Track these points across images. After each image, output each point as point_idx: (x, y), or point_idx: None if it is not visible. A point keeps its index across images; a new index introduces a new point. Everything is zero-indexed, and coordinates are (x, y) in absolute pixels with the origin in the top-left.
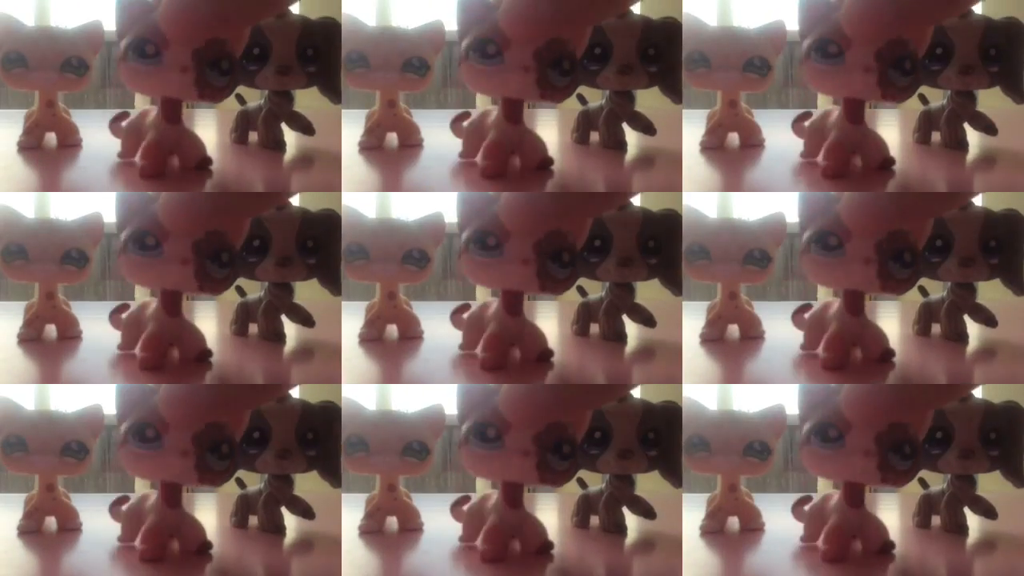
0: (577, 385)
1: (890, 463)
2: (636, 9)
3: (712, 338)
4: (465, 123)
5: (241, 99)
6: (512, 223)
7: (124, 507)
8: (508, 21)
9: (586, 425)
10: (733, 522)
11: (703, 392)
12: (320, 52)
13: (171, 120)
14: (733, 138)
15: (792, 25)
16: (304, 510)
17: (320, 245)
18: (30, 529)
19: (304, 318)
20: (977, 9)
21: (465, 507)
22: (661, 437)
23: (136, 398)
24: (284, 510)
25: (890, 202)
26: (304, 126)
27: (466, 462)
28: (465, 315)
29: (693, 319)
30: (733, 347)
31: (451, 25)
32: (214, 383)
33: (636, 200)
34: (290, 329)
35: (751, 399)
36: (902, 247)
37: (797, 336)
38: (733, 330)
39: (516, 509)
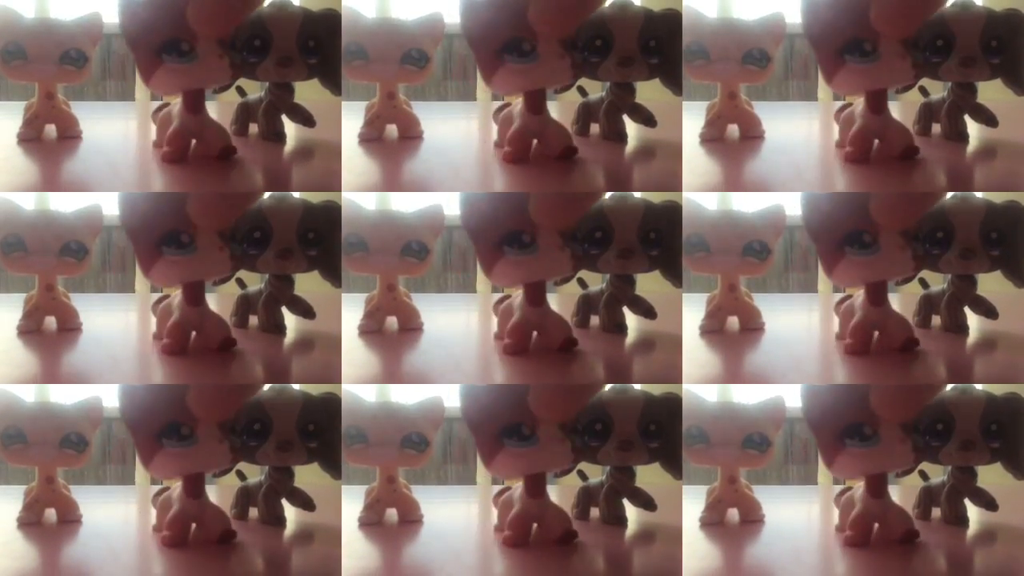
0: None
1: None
2: (637, 0)
3: (712, 330)
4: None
5: (241, 91)
6: (541, 217)
7: (160, 497)
8: (536, 15)
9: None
10: (733, 514)
11: (703, 384)
12: (322, 43)
13: (193, 110)
14: (733, 130)
15: (792, 17)
16: (305, 502)
17: (321, 236)
18: (30, 521)
19: (305, 310)
20: (978, 0)
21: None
22: (662, 429)
23: (163, 398)
24: (284, 502)
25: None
26: (305, 118)
27: (501, 465)
28: (502, 305)
29: (693, 311)
30: (733, 339)
31: (451, 17)
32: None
33: (636, 193)
34: (289, 321)
35: (750, 391)
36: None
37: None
38: (733, 322)
39: (538, 499)
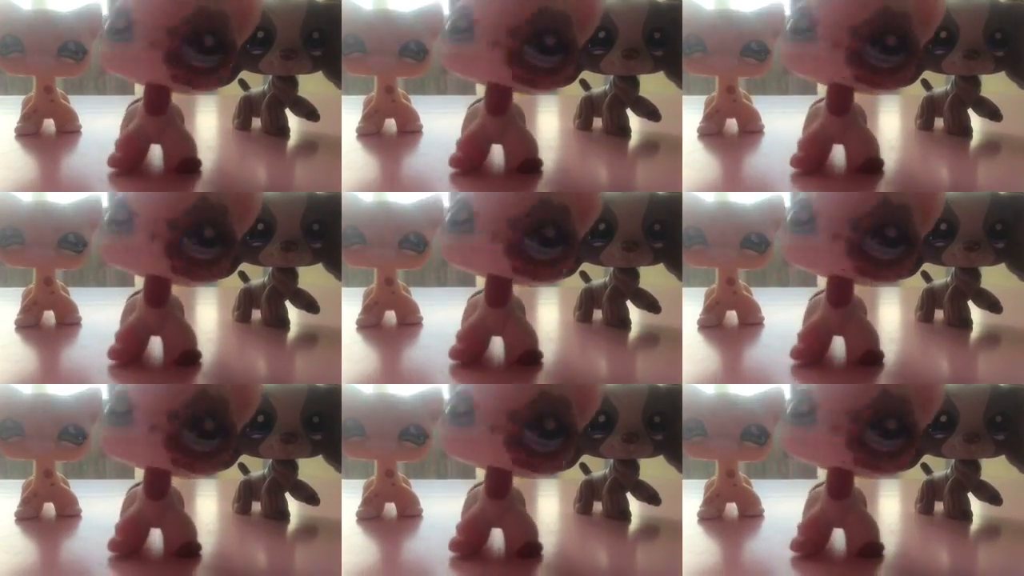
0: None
1: (867, 442)
2: None
3: (710, 324)
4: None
5: (244, 84)
6: (484, 204)
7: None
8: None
9: (594, 406)
10: (731, 508)
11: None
12: (326, 36)
13: (153, 111)
14: (731, 124)
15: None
16: (309, 496)
17: (326, 228)
18: (28, 515)
19: (308, 304)
20: None
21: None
22: (667, 420)
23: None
24: (288, 496)
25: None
26: (308, 112)
27: (442, 444)
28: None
29: (693, 305)
30: (731, 333)
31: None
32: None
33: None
34: (292, 315)
35: (749, 385)
36: (884, 222)
37: (797, 323)
38: (732, 316)
39: (499, 500)
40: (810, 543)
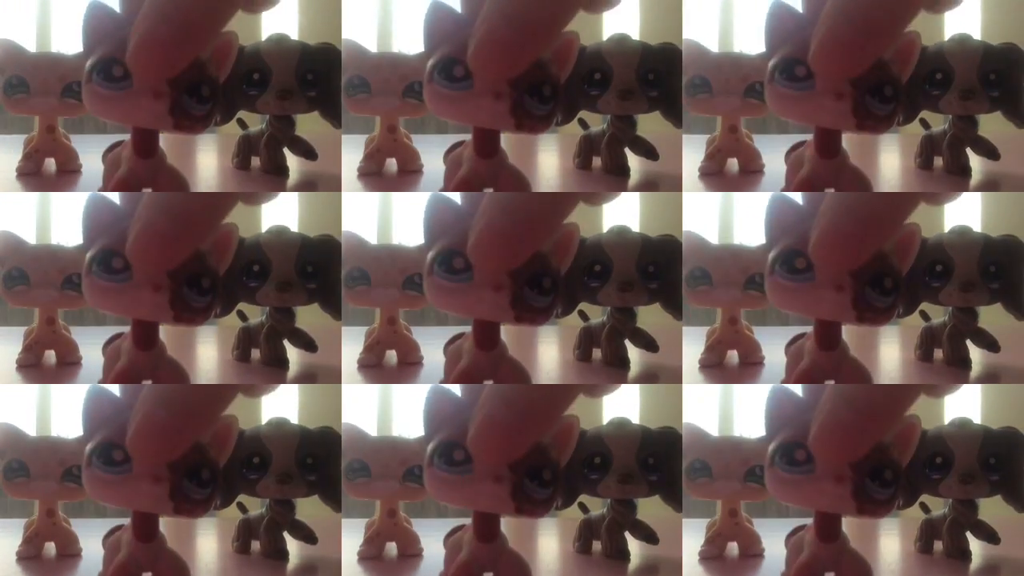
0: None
1: (867, 491)
2: (635, 35)
3: (712, 363)
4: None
5: (243, 123)
6: (484, 244)
7: (109, 539)
8: (480, 42)
9: (570, 449)
10: (733, 547)
11: (704, 417)
12: (320, 77)
13: (143, 154)
14: (732, 164)
15: None
16: (306, 535)
17: (320, 270)
18: (30, 555)
19: (307, 343)
20: (976, 34)
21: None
22: (660, 462)
23: (107, 414)
24: (286, 535)
25: (867, 222)
26: (306, 150)
27: (430, 486)
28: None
29: (693, 345)
30: (733, 372)
31: None
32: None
33: (636, 226)
34: (291, 354)
35: (751, 425)
36: (882, 271)
37: None
38: (733, 355)
39: (490, 543)
40: None
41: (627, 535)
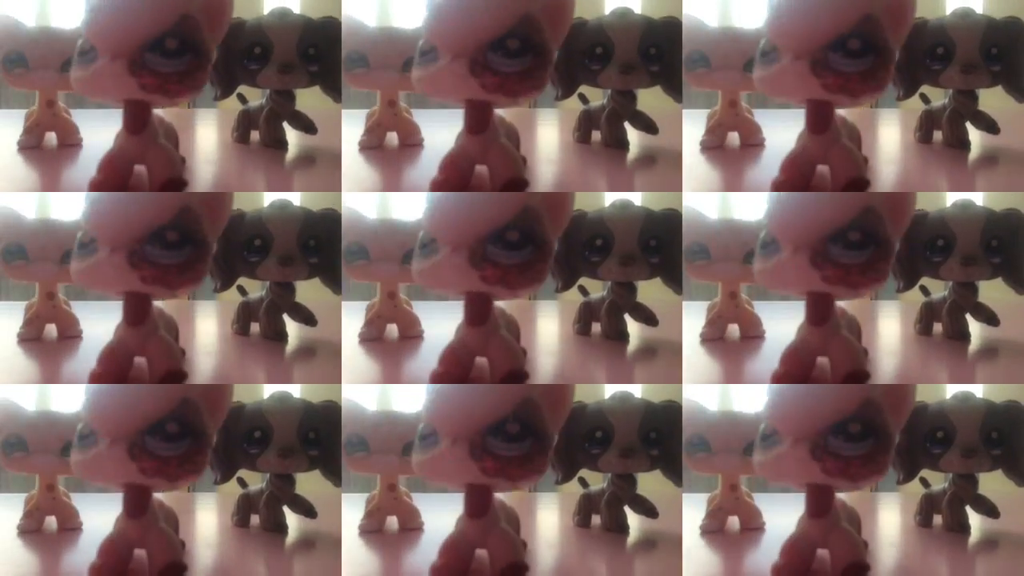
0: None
1: (828, 447)
2: (636, 8)
3: (712, 337)
4: None
5: (243, 98)
6: (445, 221)
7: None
8: (439, 20)
9: (563, 416)
10: (733, 521)
11: (704, 392)
12: (322, 51)
13: (133, 130)
14: (733, 137)
15: None
16: (306, 509)
17: (322, 244)
18: (30, 528)
19: (306, 317)
20: (978, 8)
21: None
22: (663, 436)
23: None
24: (286, 509)
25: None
26: (306, 125)
27: (415, 469)
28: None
29: (693, 319)
30: (733, 347)
31: None
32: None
33: (637, 199)
34: (291, 328)
35: (751, 399)
36: (846, 227)
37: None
38: (733, 329)
39: (479, 519)
40: (789, 566)
41: (627, 509)
